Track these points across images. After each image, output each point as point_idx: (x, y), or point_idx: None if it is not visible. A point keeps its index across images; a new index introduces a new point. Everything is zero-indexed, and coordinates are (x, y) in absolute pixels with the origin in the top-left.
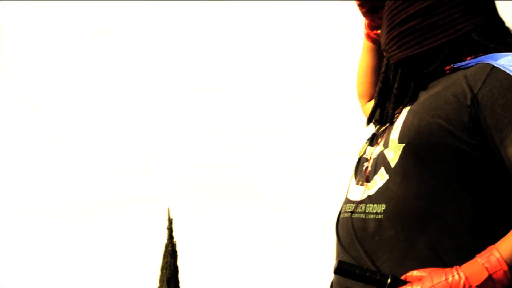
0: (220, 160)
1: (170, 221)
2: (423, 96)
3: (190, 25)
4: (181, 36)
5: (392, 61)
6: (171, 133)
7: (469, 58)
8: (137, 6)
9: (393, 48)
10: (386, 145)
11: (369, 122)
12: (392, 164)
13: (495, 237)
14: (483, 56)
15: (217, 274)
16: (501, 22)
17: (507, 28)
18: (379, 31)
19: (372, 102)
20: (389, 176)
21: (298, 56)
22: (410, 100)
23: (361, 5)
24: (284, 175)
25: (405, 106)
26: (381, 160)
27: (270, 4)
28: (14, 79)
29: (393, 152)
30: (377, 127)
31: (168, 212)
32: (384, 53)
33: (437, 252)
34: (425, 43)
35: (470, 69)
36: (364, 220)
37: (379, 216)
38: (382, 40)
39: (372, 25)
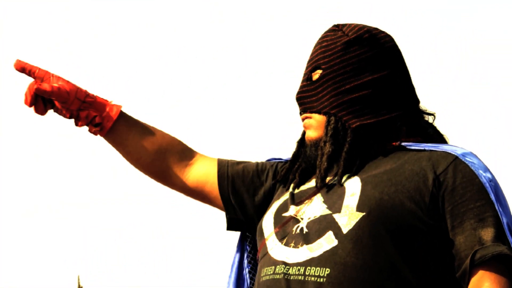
0: None
1: None
2: (375, 169)
3: (190, 25)
4: (181, 36)
5: (352, 126)
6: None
7: (411, 139)
8: (137, 6)
9: (344, 113)
10: (336, 210)
11: (281, 181)
12: (344, 230)
13: None
14: (438, 144)
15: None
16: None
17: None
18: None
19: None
20: (339, 242)
21: (299, 54)
22: (355, 169)
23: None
24: None
25: (346, 174)
26: (328, 224)
27: (271, 1)
28: (14, 79)
29: (348, 219)
30: (292, 185)
31: (78, 280)
32: (318, 113)
33: None
34: (379, 113)
35: (428, 153)
36: (303, 282)
37: (321, 280)
38: (312, 98)
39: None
